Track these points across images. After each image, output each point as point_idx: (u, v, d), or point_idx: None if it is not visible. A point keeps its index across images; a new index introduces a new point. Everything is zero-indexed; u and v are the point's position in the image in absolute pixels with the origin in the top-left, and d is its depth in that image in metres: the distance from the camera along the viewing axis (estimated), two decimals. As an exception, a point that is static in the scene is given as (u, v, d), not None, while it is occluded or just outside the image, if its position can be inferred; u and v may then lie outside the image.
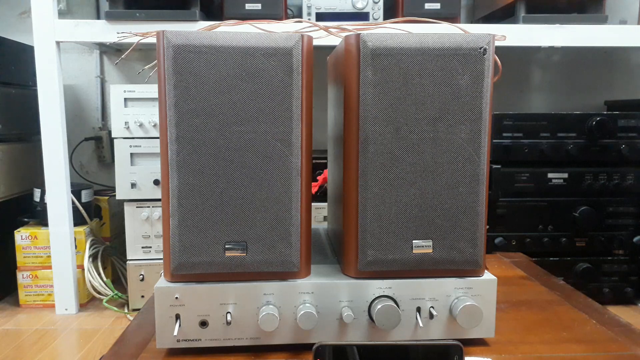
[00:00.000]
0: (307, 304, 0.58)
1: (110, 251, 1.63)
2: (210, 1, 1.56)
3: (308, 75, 0.57)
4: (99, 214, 1.64)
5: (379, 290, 0.59)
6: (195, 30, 0.55)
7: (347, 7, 1.52)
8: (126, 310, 1.45)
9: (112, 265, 1.66)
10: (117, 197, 1.41)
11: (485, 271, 0.62)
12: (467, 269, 0.60)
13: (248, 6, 1.45)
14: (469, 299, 0.59)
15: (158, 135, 1.39)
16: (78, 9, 1.78)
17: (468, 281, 0.60)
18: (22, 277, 1.48)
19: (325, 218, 1.42)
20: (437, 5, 1.49)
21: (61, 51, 1.40)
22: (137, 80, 1.80)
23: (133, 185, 1.40)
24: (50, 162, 1.40)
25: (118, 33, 1.37)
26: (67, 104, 1.67)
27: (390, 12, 1.61)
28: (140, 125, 1.40)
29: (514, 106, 1.88)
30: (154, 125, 1.40)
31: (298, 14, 1.75)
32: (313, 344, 0.52)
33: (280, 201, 0.57)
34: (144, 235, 1.43)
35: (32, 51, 1.37)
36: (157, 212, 1.42)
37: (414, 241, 0.59)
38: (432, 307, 0.59)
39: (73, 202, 1.46)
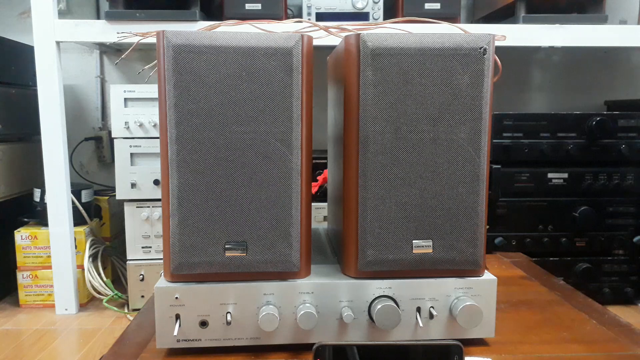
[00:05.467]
0: (307, 304, 0.58)
1: (110, 251, 1.63)
2: (210, 1, 1.56)
3: (308, 75, 0.57)
4: (99, 214, 1.64)
5: (379, 290, 0.59)
6: (195, 30, 0.56)
7: (347, 7, 1.51)
8: (126, 310, 1.45)
9: (112, 265, 1.66)
10: (117, 197, 1.41)
11: (485, 271, 0.62)
12: (467, 269, 0.60)
13: (248, 6, 1.45)
14: (469, 299, 0.59)
15: (158, 135, 1.39)
16: (78, 9, 1.78)
17: (468, 281, 0.60)
18: (22, 277, 1.48)
19: (325, 218, 1.42)
20: (437, 5, 1.49)
21: (61, 51, 1.40)
22: (137, 80, 1.80)
23: (133, 185, 1.40)
24: (50, 162, 1.40)
25: (118, 33, 1.37)
26: (67, 104, 1.67)
27: (390, 12, 1.61)
28: (140, 125, 1.40)
29: (514, 106, 1.88)
30: (154, 125, 1.40)
31: (298, 14, 1.75)
32: (313, 344, 0.52)
33: (280, 201, 0.57)
34: (144, 235, 1.43)
35: (32, 51, 1.37)
36: (157, 212, 1.42)
37: (414, 241, 0.59)
38: (432, 307, 0.59)
39: (73, 202, 1.46)
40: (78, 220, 1.50)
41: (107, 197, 1.65)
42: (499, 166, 1.40)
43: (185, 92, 0.55)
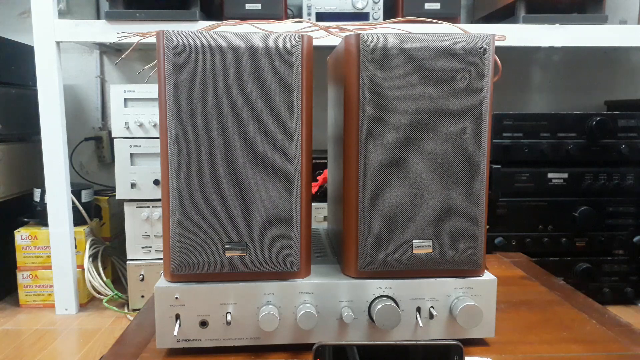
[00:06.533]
0: (307, 304, 0.58)
1: (110, 251, 1.63)
2: (210, 1, 1.56)
3: (308, 75, 0.57)
4: (99, 214, 1.64)
5: (379, 290, 0.59)
6: (195, 30, 0.56)
7: (347, 7, 1.52)
8: (126, 310, 1.45)
9: (112, 265, 1.66)
10: (117, 197, 1.41)
11: (485, 271, 0.62)
12: (467, 269, 0.60)
13: (248, 6, 1.45)
14: (469, 299, 0.59)
15: (158, 135, 1.39)
16: (78, 9, 1.78)
17: (468, 281, 0.60)
18: (22, 277, 1.48)
19: (325, 218, 1.42)
20: (437, 5, 1.49)
21: (61, 51, 1.40)
22: (137, 80, 1.80)
23: (133, 185, 1.40)
24: (50, 162, 1.40)
25: (118, 33, 1.37)
26: (67, 104, 1.67)
27: (390, 12, 1.61)
28: (140, 125, 1.40)
29: (514, 106, 1.88)
30: (154, 125, 1.40)
31: (298, 14, 1.75)
32: (313, 344, 0.52)
33: (280, 201, 0.57)
34: (144, 235, 1.43)
35: (32, 51, 1.37)
36: (157, 212, 1.42)
37: (414, 241, 0.59)
38: (432, 307, 0.59)
39: (73, 202, 1.46)
40: (78, 220, 1.49)
41: (107, 197, 1.65)
42: (499, 166, 1.40)
43: (185, 92, 0.55)
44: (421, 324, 0.59)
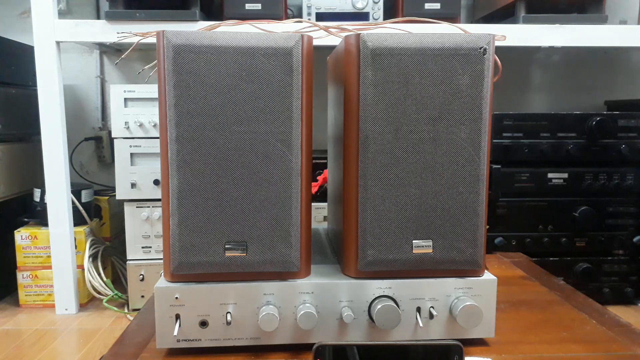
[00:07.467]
0: (307, 304, 0.58)
1: (110, 251, 1.63)
2: (210, 1, 1.56)
3: (308, 75, 0.57)
4: (99, 214, 1.64)
5: (379, 290, 0.59)
6: (195, 30, 0.56)
7: (347, 7, 1.52)
8: (126, 310, 1.45)
9: (112, 265, 1.66)
10: (117, 197, 1.41)
11: (485, 271, 0.62)
12: (467, 269, 0.60)
13: (248, 6, 1.45)
14: (469, 299, 0.59)
15: (158, 135, 1.39)
16: (78, 9, 1.78)
17: (468, 281, 0.60)
18: (22, 277, 1.48)
19: (325, 218, 1.42)
20: (437, 5, 1.49)
21: (61, 51, 1.40)
22: (137, 80, 1.80)
23: (133, 185, 1.40)
24: (50, 162, 1.40)
25: (118, 33, 1.37)
26: (67, 104, 1.67)
27: (390, 12, 1.61)
28: (140, 125, 1.40)
29: (514, 106, 1.88)
30: (154, 125, 1.40)
31: (298, 14, 1.75)
32: (313, 344, 0.52)
33: (280, 201, 0.57)
34: (144, 235, 1.43)
35: (32, 51, 1.37)
36: (157, 212, 1.42)
37: (414, 241, 0.59)
38: (432, 307, 0.59)
39: (73, 202, 1.46)
40: (78, 220, 1.49)
41: (107, 197, 1.65)
42: (499, 166, 1.40)
43: (185, 92, 0.55)
44: (421, 324, 0.59)
